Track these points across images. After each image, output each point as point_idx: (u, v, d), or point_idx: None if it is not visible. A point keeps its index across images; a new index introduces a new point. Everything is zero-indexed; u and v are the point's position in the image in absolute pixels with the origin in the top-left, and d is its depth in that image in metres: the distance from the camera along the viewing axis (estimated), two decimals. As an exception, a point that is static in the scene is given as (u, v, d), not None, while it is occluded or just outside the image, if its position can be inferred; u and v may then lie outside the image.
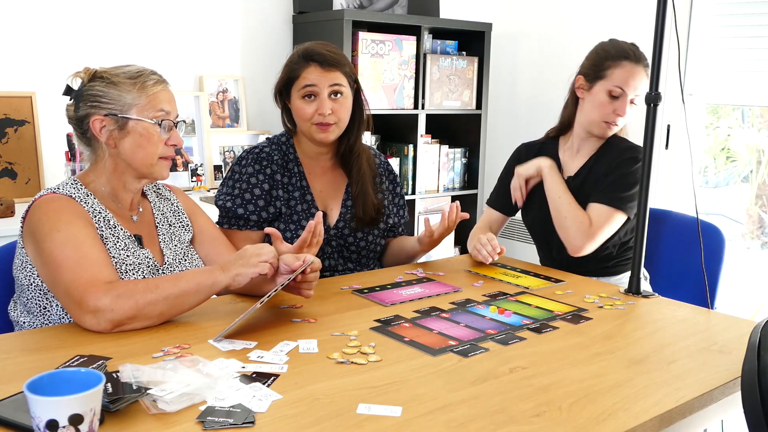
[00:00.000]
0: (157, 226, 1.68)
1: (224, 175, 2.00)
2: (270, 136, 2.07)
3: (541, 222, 2.16)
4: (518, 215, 2.30)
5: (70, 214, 1.49)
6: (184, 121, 1.66)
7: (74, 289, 1.40)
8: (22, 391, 0.91)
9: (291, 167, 2.01)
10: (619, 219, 2.02)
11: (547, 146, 2.23)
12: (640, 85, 2.03)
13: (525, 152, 2.26)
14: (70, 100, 1.60)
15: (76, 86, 1.59)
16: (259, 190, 1.94)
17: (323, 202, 2.03)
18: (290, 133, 2.05)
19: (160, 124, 1.57)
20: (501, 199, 2.27)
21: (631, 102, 2.04)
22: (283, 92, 1.99)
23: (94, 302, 1.38)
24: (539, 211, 2.16)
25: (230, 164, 2.00)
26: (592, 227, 2.00)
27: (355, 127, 2.02)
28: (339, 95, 1.93)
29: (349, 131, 2.01)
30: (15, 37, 2.81)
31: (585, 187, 2.10)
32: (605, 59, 2.04)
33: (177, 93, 3.11)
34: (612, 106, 2.04)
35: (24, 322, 1.55)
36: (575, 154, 2.17)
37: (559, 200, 2.05)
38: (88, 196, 1.56)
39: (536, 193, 2.18)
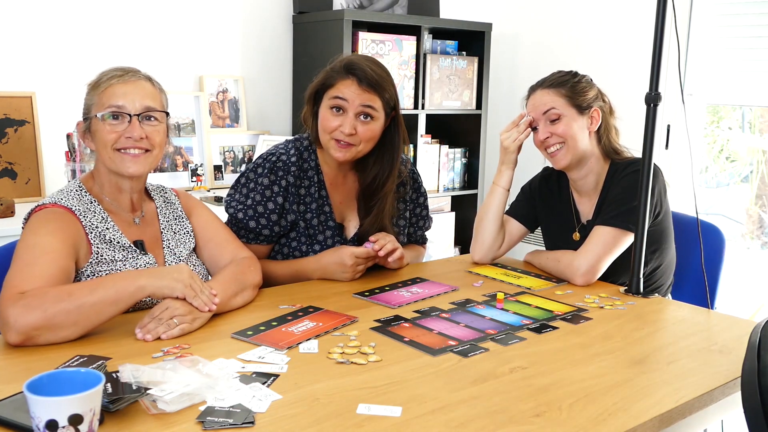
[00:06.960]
0: (162, 232, 1.67)
1: (237, 179, 1.90)
2: (291, 137, 1.96)
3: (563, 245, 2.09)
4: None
5: (56, 226, 1.47)
6: (161, 111, 1.60)
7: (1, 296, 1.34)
8: (22, 391, 0.91)
9: (310, 175, 1.90)
10: (623, 237, 1.88)
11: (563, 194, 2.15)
12: (543, 103, 2.07)
13: (538, 182, 2.19)
14: None
15: None
16: (273, 204, 1.85)
17: (341, 214, 1.95)
18: (314, 139, 1.92)
19: (107, 117, 1.54)
20: (523, 212, 2.16)
21: (552, 122, 2.01)
22: (315, 96, 1.88)
23: (4, 313, 1.30)
24: (556, 241, 2.11)
25: (244, 169, 1.89)
26: (591, 253, 1.88)
27: (385, 159, 1.89)
28: (369, 118, 1.82)
29: (380, 166, 1.89)
30: (15, 37, 2.81)
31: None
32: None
33: (177, 93, 3.17)
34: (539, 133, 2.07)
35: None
36: (585, 196, 2.09)
37: (547, 261, 2.02)
38: (91, 203, 1.56)
39: (554, 216, 2.14)
